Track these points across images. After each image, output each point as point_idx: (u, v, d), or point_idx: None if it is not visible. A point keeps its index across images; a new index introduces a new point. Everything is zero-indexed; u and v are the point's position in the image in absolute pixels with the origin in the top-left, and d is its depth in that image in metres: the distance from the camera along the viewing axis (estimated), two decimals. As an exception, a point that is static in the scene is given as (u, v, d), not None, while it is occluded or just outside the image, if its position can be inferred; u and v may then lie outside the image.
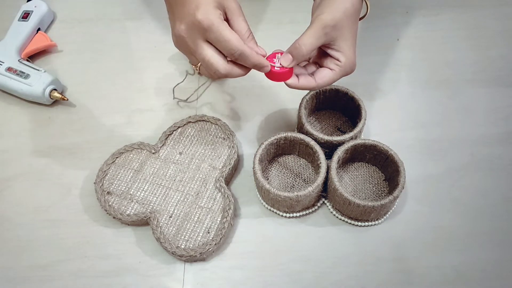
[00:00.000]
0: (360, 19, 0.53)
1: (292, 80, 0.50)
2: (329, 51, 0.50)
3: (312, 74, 0.51)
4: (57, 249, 0.56)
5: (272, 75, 0.50)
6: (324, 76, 0.50)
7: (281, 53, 0.50)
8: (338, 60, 0.50)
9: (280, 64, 0.49)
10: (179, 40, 0.46)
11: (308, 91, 0.58)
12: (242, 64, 0.47)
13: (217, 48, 0.46)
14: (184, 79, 0.64)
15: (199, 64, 0.46)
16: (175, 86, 0.65)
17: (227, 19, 0.47)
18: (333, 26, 0.48)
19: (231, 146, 0.59)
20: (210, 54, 0.45)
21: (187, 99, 0.66)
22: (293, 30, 0.61)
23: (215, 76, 0.46)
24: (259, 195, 0.58)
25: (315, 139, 0.56)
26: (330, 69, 0.50)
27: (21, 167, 0.62)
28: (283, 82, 0.51)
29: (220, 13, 0.45)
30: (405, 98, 0.66)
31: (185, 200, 0.56)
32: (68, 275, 0.54)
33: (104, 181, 0.57)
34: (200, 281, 0.53)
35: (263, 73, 0.50)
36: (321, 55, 0.52)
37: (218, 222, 0.54)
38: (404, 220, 0.56)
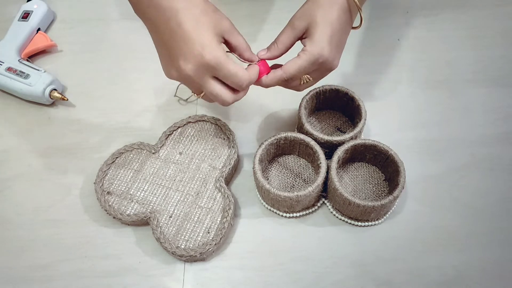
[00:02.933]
0: (354, 28, 0.53)
1: (263, 79, 0.51)
2: (302, 42, 0.51)
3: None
4: (57, 249, 0.56)
5: None
6: (290, 63, 0.49)
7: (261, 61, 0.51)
8: (303, 48, 0.49)
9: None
10: (183, 77, 0.47)
11: (306, 91, 0.58)
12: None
13: (222, 82, 0.47)
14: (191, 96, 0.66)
15: (201, 94, 0.49)
16: (180, 85, 0.66)
17: (225, 41, 0.48)
18: (300, 17, 0.49)
19: (231, 146, 0.59)
20: (218, 88, 0.47)
21: (187, 99, 0.66)
22: (293, 30, 0.61)
23: (223, 105, 0.49)
24: (259, 195, 0.58)
25: (315, 139, 0.56)
26: (297, 56, 0.50)
27: (21, 167, 0.62)
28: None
29: (224, 46, 0.46)
30: (405, 98, 0.66)
31: (185, 200, 0.56)
32: (68, 275, 0.54)
33: (104, 181, 0.57)
34: (200, 281, 0.53)
35: None
36: None
37: (218, 222, 0.54)
38: (404, 220, 0.56)
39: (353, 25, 0.52)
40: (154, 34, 0.48)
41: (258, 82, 0.51)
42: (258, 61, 0.51)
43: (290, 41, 0.50)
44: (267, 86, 0.51)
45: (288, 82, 0.51)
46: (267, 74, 0.51)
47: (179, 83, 0.66)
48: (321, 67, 0.50)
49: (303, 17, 0.49)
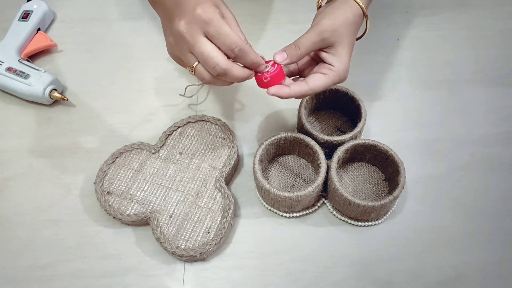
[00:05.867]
0: (358, 38, 0.53)
1: (278, 89, 0.48)
2: (324, 56, 0.50)
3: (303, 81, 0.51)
4: (57, 249, 0.56)
5: (261, 82, 0.49)
6: (317, 80, 0.49)
7: (268, 62, 0.49)
8: (331, 64, 0.50)
9: (268, 72, 0.48)
10: (176, 38, 0.46)
11: None
12: (241, 63, 0.47)
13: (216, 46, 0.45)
14: (200, 87, 0.64)
15: (195, 64, 0.46)
16: (188, 86, 0.65)
17: None
18: (332, 31, 0.49)
19: (231, 146, 0.59)
20: (210, 48, 0.44)
21: (191, 96, 0.66)
22: (292, 30, 0.61)
23: (214, 72, 0.45)
24: (259, 195, 0.58)
25: (315, 139, 0.56)
26: (323, 73, 0.50)
27: (21, 167, 0.62)
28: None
29: (219, 11, 0.45)
30: (405, 98, 0.66)
31: (185, 200, 0.56)
32: (68, 275, 0.54)
33: (104, 181, 0.57)
34: (200, 281, 0.53)
35: (255, 79, 0.49)
36: (312, 63, 0.52)
37: (218, 222, 0.54)
38: (404, 220, 0.56)
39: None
40: (163, 13, 0.49)
41: (277, 92, 0.48)
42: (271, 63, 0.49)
43: (313, 48, 0.49)
44: (287, 97, 0.49)
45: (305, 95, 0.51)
46: (282, 80, 0.49)
47: (186, 85, 0.66)
48: (337, 83, 0.51)
49: (335, 33, 0.49)
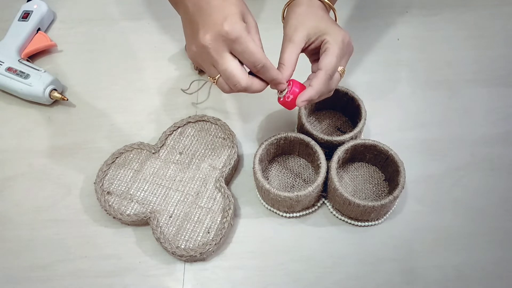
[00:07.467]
0: None
1: (303, 96, 0.48)
2: (313, 46, 0.50)
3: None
4: (57, 249, 0.56)
5: (287, 104, 0.49)
6: (324, 59, 0.48)
7: (289, 81, 0.49)
8: (323, 42, 0.49)
9: (288, 91, 0.49)
10: (200, 50, 0.45)
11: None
12: (261, 77, 0.47)
13: (239, 61, 0.46)
14: (203, 84, 0.64)
15: (217, 77, 0.46)
16: (192, 82, 0.65)
17: None
18: (294, 29, 0.49)
19: (231, 146, 0.59)
20: (233, 65, 0.45)
21: (192, 93, 0.66)
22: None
23: (235, 89, 0.46)
24: (259, 195, 0.58)
25: (315, 139, 0.56)
26: (324, 51, 0.49)
27: (21, 167, 0.62)
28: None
29: (245, 25, 0.45)
30: (405, 98, 0.66)
31: (185, 200, 0.56)
32: (68, 275, 0.54)
33: (104, 181, 0.57)
34: (200, 281, 0.53)
35: (281, 104, 0.50)
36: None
37: (218, 222, 0.54)
38: (404, 220, 0.56)
39: None
40: (184, 16, 0.48)
41: (304, 98, 0.48)
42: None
43: (296, 56, 0.49)
44: (317, 95, 0.48)
45: (329, 82, 0.49)
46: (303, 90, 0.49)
47: (191, 81, 0.66)
48: (348, 49, 0.50)
49: (300, 27, 0.48)
